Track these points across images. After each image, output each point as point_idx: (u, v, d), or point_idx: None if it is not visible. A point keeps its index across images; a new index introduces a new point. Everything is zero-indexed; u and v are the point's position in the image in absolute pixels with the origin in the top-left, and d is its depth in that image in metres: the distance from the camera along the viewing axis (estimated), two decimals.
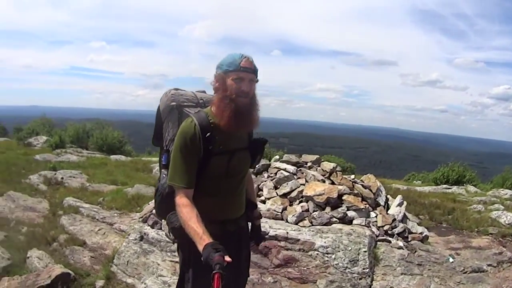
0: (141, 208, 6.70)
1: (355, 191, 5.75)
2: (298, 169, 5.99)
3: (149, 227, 5.19)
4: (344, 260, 4.44)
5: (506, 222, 7.88)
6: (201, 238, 1.83)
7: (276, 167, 5.85)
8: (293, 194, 5.40)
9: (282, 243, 4.49)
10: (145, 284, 4.40)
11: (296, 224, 4.95)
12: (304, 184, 5.55)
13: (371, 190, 6.15)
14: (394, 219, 6.08)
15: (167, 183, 2.08)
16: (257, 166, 2.17)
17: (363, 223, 5.44)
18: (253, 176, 5.82)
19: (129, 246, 5.01)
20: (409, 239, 6.07)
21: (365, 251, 4.68)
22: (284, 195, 5.41)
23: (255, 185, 5.40)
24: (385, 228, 5.86)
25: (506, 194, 11.21)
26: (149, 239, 5.01)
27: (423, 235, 6.44)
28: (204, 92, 2.39)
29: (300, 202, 5.38)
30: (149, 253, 4.83)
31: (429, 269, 5.39)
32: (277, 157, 6.64)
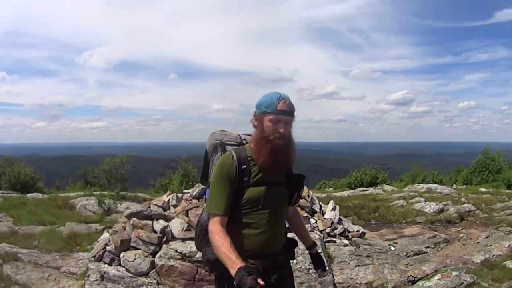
0: (81, 247, 6.55)
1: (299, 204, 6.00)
2: None
3: (106, 265, 4.95)
4: (305, 263, 4.65)
5: (431, 211, 9.00)
6: (234, 262, 1.84)
7: None
8: None
9: None
10: None
11: None
12: None
13: (306, 199, 6.48)
14: (332, 222, 6.48)
15: (204, 210, 2.16)
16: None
17: (309, 229, 5.68)
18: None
19: None
20: (350, 237, 6.50)
21: (320, 252, 4.89)
22: None
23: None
24: (327, 231, 6.22)
25: (422, 188, 12.64)
26: (111, 277, 4.82)
27: (360, 232, 6.96)
28: (250, 135, 2.37)
29: None
30: None
31: (377, 258, 5.83)
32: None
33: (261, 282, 1.72)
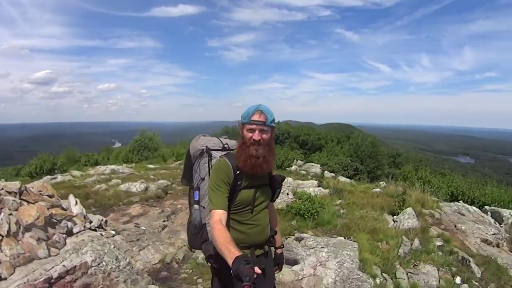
0: None
1: (52, 203, 5.45)
2: None
3: None
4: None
5: (139, 190, 9.90)
6: (231, 251, 1.98)
7: None
8: (13, 229, 4.45)
9: (69, 277, 4.09)
10: None
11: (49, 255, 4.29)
12: (11, 214, 4.67)
13: (54, 197, 5.94)
14: (85, 217, 6.23)
15: (210, 209, 2.32)
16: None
17: (77, 230, 5.34)
18: None
19: None
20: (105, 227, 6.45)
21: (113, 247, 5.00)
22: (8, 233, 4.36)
23: None
24: (88, 226, 5.96)
25: (106, 169, 12.89)
26: None
27: (103, 220, 6.96)
28: (227, 138, 2.77)
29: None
30: None
31: (147, 239, 6.22)
32: None
33: (258, 270, 1.83)
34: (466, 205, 9.23)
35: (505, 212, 8.51)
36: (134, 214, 8.15)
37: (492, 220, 8.06)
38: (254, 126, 2.37)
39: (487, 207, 9.43)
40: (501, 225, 7.94)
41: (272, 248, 2.80)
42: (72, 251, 4.47)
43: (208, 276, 5.08)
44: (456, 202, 9.71)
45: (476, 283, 5.14)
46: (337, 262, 5.11)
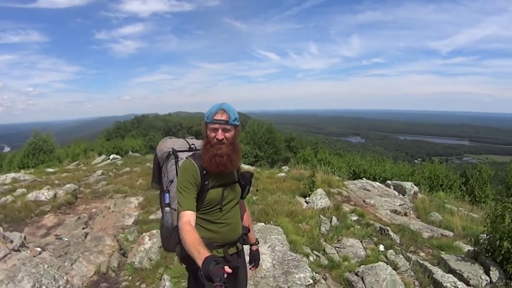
0: None
1: None
2: None
3: None
4: None
5: (48, 198, 9.29)
6: (200, 252, 2.01)
7: None
8: None
9: None
10: None
11: None
12: None
13: None
14: (4, 236, 5.80)
15: (179, 211, 2.34)
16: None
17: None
18: None
19: None
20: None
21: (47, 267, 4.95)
22: None
23: None
24: (11, 247, 5.56)
25: (6, 179, 11.68)
26: None
27: (23, 237, 6.50)
28: (193, 138, 2.80)
29: None
30: None
31: (78, 251, 5.93)
32: None
33: (228, 270, 1.85)
34: (370, 181, 10.33)
35: (407, 185, 9.67)
36: (50, 225, 7.68)
37: (396, 193, 9.19)
38: (217, 126, 2.41)
39: (389, 182, 10.59)
40: (405, 196, 9.09)
41: (247, 246, 2.86)
42: (7, 280, 4.26)
43: (150, 280, 5.10)
44: (359, 180, 10.71)
45: (398, 248, 5.85)
46: (268, 247, 5.43)
